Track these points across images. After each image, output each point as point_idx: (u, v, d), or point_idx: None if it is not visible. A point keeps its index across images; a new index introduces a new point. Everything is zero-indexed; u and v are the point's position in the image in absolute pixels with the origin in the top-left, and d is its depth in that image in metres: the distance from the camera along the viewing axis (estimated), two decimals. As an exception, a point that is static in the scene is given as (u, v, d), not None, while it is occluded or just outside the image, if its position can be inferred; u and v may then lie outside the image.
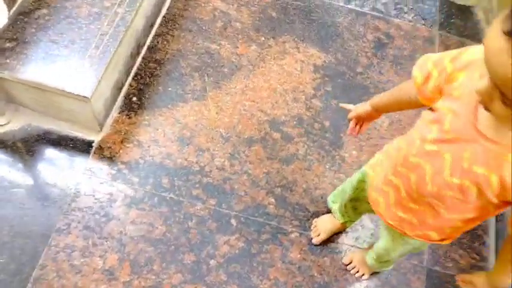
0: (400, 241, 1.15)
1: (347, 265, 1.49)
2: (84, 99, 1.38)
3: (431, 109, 0.89)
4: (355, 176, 1.27)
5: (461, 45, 2.03)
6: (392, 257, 1.28)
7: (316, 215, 1.55)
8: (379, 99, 1.11)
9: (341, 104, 1.28)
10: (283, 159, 1.64)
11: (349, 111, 1.24)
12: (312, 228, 1.53)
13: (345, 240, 1.53)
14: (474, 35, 2.08)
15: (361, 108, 1.18)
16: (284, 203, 1.56)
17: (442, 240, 1.04)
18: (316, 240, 1.50)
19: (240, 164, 1.61)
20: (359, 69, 1.89)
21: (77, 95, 1.37)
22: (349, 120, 1.24)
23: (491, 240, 1.60)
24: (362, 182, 1.22)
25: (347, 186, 1.34)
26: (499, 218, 1.61)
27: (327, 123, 1.73)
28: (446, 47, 2.01)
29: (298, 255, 1.49)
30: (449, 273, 1.52)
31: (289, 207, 1.56)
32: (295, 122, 1.72)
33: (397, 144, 1.02)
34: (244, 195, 1.56)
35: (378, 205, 1.08)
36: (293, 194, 1.58)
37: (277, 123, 1.71)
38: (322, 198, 1.59)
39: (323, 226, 1.50)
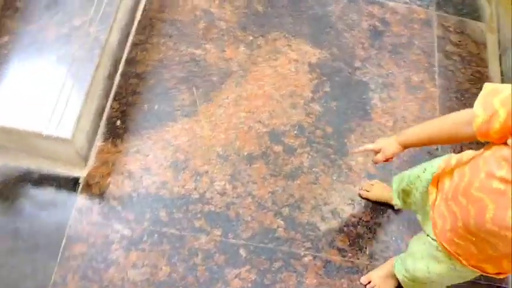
0: (448, 265, 1.04)
1: (366, 285, 1.42)
2: (65, 140, 1.22)
3: (505, 143, 0.79)
4: (416, 171, 1.17)
5: (461, 25, 1.91)
6: (432, 280, 1.15)
7: (328, 233, 1.46)
8: (414, 136, 0.99)
9: (354, 151, 1.15)
10: (287, 174, 1.53)
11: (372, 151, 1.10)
12: (365, 183, 1.51)
13: (360, 258, 1.45)
14: (473, 13, 1.95)
15: (390, 150, 1.05)
16: (293, 224, 1.46)
17: (497, 274, 0.96)
18: (363, 194, 1.51)
19: (243, 186, 1.49)
20: (357, 64, 1.75)
21: (56, 137, 1.21)
22: (376, 163, 1.11)
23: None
24: (418, 179, 1.14)
25: (406, 175, 1.25)
26: None
27: (329, 129, 1.61)
28: (445, 29, 1.89)
29: (314, 280, 1.41)
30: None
31: (299, 228, 1.46)
32: (296, 132, 1.59)
33: (462, 170, 0.92)
34: (251, 220, 1.45)
35: (435, 226, 1.00)
36: (302, 213, 1.48)
37: (278, 135, 1.58)
38: (332, 214, 1.49)
39: (378, 190, 1.50)
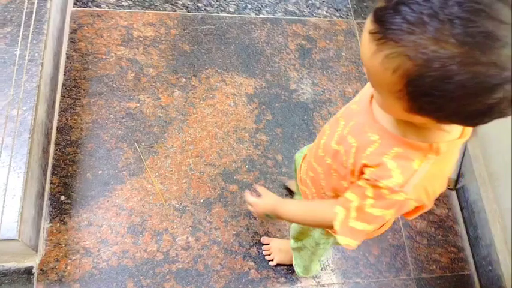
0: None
1: (263, 244, 1.47)
2: (11, 241, 1.13)
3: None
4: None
5: (380, 29, 1.98)
6: (303, 242, 1.18)
7: (299, 263, 1.47)
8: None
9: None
10: (248, 212, 1.51)
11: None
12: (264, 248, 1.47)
13: (334, 280, 1.47)
14: (389, 15, 2.03)
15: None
16: (264, 262, 1.46)
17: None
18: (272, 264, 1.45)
19: (206, 235, 1.46)
20: (292, 86, 1.77)
21: (0, 240, 1.11)
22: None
23: (461, 228, 1.64)
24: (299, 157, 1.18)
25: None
26: (463, 206, 1.65)
27: (279, 157, 1.62)
28: (367, 35, 1.95)
29: (295, 314, 1.41)
30: (436, 276, 1.54)
31: (270, 266, 1.46)
32: (247, 166, 1.59)
33: (322, 130, 0.95)
34: (221, 268, 1.43)
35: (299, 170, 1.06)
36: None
37: (230, 174, 1.56)
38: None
39: (277, 254, 1.45)
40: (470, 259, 1.59)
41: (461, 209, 1.66)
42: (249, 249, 1.46)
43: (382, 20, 0.54)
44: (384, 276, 1.51)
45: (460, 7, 0.50)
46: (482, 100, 0.53)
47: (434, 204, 1.65)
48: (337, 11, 1.99)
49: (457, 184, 1.69)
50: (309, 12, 1.96)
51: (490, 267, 1.51)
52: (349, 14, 1.99)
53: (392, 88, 0.57)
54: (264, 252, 1.46)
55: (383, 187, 0.69)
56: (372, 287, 1.48)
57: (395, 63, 0.54)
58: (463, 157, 1.66)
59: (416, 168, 0.68)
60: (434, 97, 0.54)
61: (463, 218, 1.65)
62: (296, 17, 1.93)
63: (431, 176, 0.69)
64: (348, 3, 2.02)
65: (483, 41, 0.50)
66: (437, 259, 1.57)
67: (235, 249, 1.46)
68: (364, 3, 2.04)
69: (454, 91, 0.52)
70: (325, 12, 1.97)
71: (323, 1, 2.00)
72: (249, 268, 1.44)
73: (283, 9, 1.94)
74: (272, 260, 1.45)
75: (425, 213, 1.61)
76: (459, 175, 1.68)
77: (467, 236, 1.62)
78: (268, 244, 1.47)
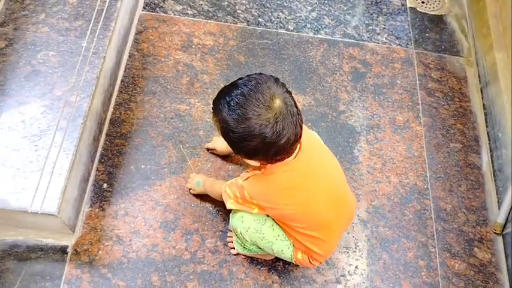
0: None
1: (227, 231, 1.49)
2: (50, 216, 1.20)
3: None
4: None
5: (441, 61, 1.94)
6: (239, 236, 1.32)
7: (325, 285, 1.44)
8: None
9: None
10: (279, 226, 1.51)
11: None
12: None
13: None
14: (451, 48, 1.98)
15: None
16: (289, 277, 1.44)
17: None
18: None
19: (234, 242, 1.47)
20: (341, 108, 1.76)
21: (41, 213, 1.19)
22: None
23: (504, 276, 1.54)
24: None
25: None
26: (508, 253, 1.55)
27: (318, 176, 1.61)
28: (426, 66, 1.92)
29: (313, 336, 1.38)
30: (470, 323, 1.45)
31: (295, 282, 1.43)
32: (284, 181, 1.58)
33: None
34: (245, 277, 1.42)
35: None
36: (296, 266, 1.46)
37: (266, 186, 1.57)
38: (327, 264, 1.47)
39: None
40: (510, 311, 1.48)
41: (506, 256, 1.55)
42: (276, 262, 1.45)
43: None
44: (413, 313, 1.44)
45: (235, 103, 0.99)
46: (248, 144, 1.00)
47: (477, 247, 1.56)
48: (397, 38, 1.97)
49: (504, 229, 1.59)
50: (368, 37, 1.95)
51: (532, 323, 1.40)
52: (409, 43, 1.97)
53: None
54: (228, 239, 1.46)
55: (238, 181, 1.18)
56: (398, 323, 1.42)
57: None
58: (513, 202, 1.56)
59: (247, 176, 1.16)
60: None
61: (507, 266, 1.54)
62: (354, 41, 1.93)
63: (252, 183, 1.15)
64: (410, 33, 2.00)
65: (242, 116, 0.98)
66: (473, 305, 1.48)
67: (261, 261, 1.45)
68: (427, 35, 2.01)
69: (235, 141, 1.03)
70: (384, 39, 1.96)
71: (384, 27, 1.99)
72: (272, 281, 1.43)
73: (342, 32, 1.95)
74: (234, 249, 1.44)
75: (466, 255, 1.53)
76: (507, 220, 1.58)
77: (510, 285, 1.51)
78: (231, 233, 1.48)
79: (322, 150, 1.24)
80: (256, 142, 0.99)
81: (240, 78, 1.03)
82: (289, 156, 1.08)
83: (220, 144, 1.54)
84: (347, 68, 1.86)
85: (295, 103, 1.02)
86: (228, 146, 1.36)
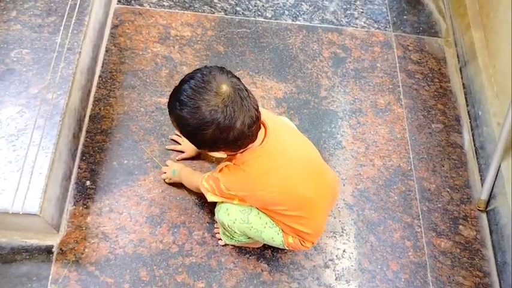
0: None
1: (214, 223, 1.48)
2: (33, 216, 1.18)
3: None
4: None
5: (420, 43, 1.95)
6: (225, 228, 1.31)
7: (313, 270, 1.45)
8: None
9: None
10: (265, 215, 1.51)
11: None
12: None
13: (349, 291, 1.43)
14: (429, 29, 1.99)
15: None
16: (278, 265, 1.44)
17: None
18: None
19: (222, 233, 1.47)
20: (323, 94, 1.76)
21: (23, 213, 1.17)
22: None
23: (489, 252, 1.56)
24: None
25: None
26: (492, 229, 1.57)
27: (302, 163, 1.61)
28: (405, 48, 1.92)
29: (305, 321, 1.39)
30: (457, 299, 1.47)
31: (283, 269, 1.44)
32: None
33: None
34: (234, 267, 1.42)
35: None
36: (285, 253, 1.46)
37: (251, 175, 1.56)
38: (315, 249, 1.48)
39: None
40: (496, 285, 1.51)
41: (491, 232, 1.58)
42: (264, 250, 1.46)
43: None
44: (401, 293, 1.45)
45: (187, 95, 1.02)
46: (205, 133, 1.03)
47: (462, 224, 1.58)
48: (375, 22, 1.97)
49: (487, 206, 1.61)
50: (346, 22, 1.95)
51: (517, 296, 1.43)
52: (387, 27, 1.97)
53: None
54: (215, 230, 1.46)
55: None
56: (388, 303, 1.44)
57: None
58: (495, 178, 1.58)
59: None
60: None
61: (492, 241, 1.57)
62: (333, 26, 1.93)
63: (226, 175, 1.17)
64: (388, 16, 2.00)
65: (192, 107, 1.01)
66: (460, 282, 1.50)
67: (250, 250, 1.45)
68: (405, 17, 2.01)
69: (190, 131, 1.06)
70: (363, 23, 1.96)
71: (362, 12, 1.99)
72: (261, 270, 1.43)
73: (320, 18, 1.94)
74: (221, 239, 1.44)
75: (451, 233, 1.55)
76: (490, 197, 1.60)
77: (495, 261, 1.54)
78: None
79: (292, 131, 1.26)
80: (211, 129, 1.02)
81: (186, 75, 1.07)
82: (253, 142, 1.10)
83: (186, 146, 1.54)
84: (327, 53, 1.86)
85: (245, 87, 1.05)
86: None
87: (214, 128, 1.01)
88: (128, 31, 1.77)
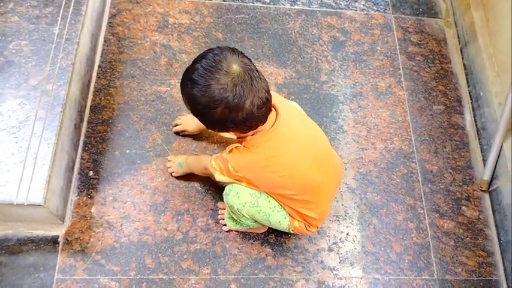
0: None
1: (218, 209, 1.49)
2: (37, 206, 1.19)
3: None
4: None
5: (419, 24, 1.93)
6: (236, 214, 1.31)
7: (317, 253, 1.46)
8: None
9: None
10: (268, 200, 1.52)
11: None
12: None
13: (352, 274, 1.44)
14: (429, 10, 1.98)
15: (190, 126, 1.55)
16: (282, 249, 1.45)
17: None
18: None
19: (225, 219, 1.48)
20: (323, 78, 1.76)
21: (27, 204, 1.18)
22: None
23: (492, 231, 1.57)
24: None
25: None
26: (495, 209, 1.58)
27: (304, 148, 1.61)
28: (405, 30, 1.91)
29: (310, 304, 1.40)
30: (461, 279, 1.48)
31: (288, 253, 1.45)
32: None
33: None
34: (238, 252, 1.44)
35: None
36: (289, 237, 1.47)
37: (253, 161, 1.57)
38: (318, 233, 1.49)
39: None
40: (500, 264, 1.52)
41: (493, 212, 1.58)
42: (268, 235, 1.46)
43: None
44: (405, 274, 1.46)
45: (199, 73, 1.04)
46: (214, 112, 1.04)
47: (464, 205, 1.59)
48: (375, 4, 1.96)
49: (490, 186, 1.61)
50: (345, 5, 1.93)
51: (520, 274, 1.44)
52: (387, 8, 1.95)
53: None
54: (220, 217, 1.46)
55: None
56: (392, 285, 1.45)
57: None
58: (497, 158, 1.58)
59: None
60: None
61: (495, 221, 1.57)
62: (332, 9, 1.91)
63: (235, 156, 1.17)
64: (387, -3, 1.98)
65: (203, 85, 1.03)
66: (463, 262, 1.51)
67: (253, 235, 1.46)
68: (404, -2, 1.99)
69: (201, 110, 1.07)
70: (362, 6, 1.94)
71: (361, -6, 1.97)
72: (266, 254, 1.44)
73: (319, 1, 1.92)
74: (225, 225, 1.45)
75: (454, 214, 1.56)
76: (493, 177, 1.60)
77: (498, 240, 1.55)
78: (224, 209, 1.46)
79: (301, 116, 1.26)
80: (220, 108, 1.03)
81: (198, 55, 1.08)
82: (262, 124, 1.10)
83: (190, 123, 1.55)
84: (326, 37, 1.85)
85: (256, 68, 1.06)
86: (198, 123, 1.38)
87: (224, 106, 1.02)
88: (126, 20, 1.76)
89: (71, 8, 1.46)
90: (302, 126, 1.23)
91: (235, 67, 1.02)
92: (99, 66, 1.65)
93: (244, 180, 1.20)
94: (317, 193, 1.24)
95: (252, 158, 1.15)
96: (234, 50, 1.06)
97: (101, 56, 1.67)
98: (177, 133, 1.57)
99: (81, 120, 1.52)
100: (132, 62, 1.68)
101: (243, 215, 1.29)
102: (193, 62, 1.07)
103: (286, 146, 1.16)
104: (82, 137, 1.53)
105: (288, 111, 1.18)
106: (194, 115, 1.12)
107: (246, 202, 1.24)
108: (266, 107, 1.07)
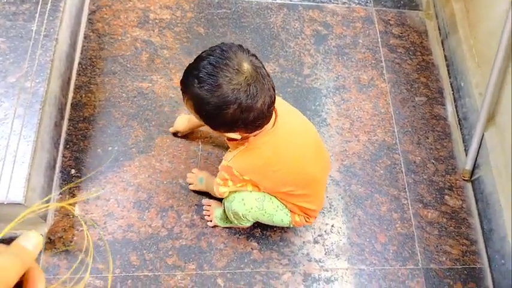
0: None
1: (203, 205, 1.48)
2: (17, 206, 1.17)
3: None
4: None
5: (401, 16, 1.94)
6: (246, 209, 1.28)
7: (303, 246, 1.46)
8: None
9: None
10: (253, 194, 1.51)
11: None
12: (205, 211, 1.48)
13: (338, 265, 1.45)
14: (410, 3, 1.99)
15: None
16: (267, 243, 1.45)
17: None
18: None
19: (210, 214, 1.47)
20: (306, 72, 1.76)
21: (7, 204, 1.16)
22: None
23: (475, 220, 1.59)
24: None
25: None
26: (478, 198, 1.60)
27: (288, 142, 1.61)
28: (386, 23, 1.92)
29: (296, 297, 1.40)
30: (445, 267, 1.50)
31: (274, 247, 1.45)
32: (255, 149, 1.58)
33: None
34: (224, 247, 1.43)
35: None
36: (274, 231, 1.47)
37: (237, 156, 1.56)
38: (304, 226, 1.49)
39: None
40: (483, 252, 1.54)
41: (476, 201, 1.60)
42: (253, 229, 1.46)
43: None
44: (390, 264, 1.48)
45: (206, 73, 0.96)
46: (226, 113, 0.97)
47: (448, 195, 1.61)
48: (356, -3, 1.96)
49: (472, 175, 1.63)
50: (327, -1, 1.94)
51: (503, 261, 1.46)
52: (368, 2, 1.96)
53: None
54: (204, 213, 1.46)
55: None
56: (377, 275, 1.46)
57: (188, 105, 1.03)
58: (479, 148, 1.60)
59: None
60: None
61: (478, 210, 1.59)
62: (314, 3, 1.91)
63: (239, 160, 1.13)
64: (368, -9, 1.99)
65: (213, 85, 0.95)
66: (447, 251, 1.53)
67: (239, 229, 1.46)
68: (385, -9, 2.00)
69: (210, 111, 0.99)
70: (343, -1, 1.95)
71: (342, -12, 1.98)
72: (252, 248, 1.44)
73: (300, -5, 1.92)
74: (211, 221, 1.45)
75: (438, 203, 1.57)
76: (475, 166, 1.62)
77: (481, 228, 1.57)
78: (209, 205, 1.46)
79: (292, 110, 1.25)
80: (232, 109, 0.96)
81: (203, 52, 1.00)
82: (268, 122, 1.06)
83: (181, 123, 1.52)
84: (308, 31, 1.85)
85: (263, 66, 1.01)
86: (190, 122, 1.35)
87: (236, 107, 0.96)
88: (106, 16, 1.74)
89: (49, 4, 1.44)
90: (296, 121, 1.22)
91: (246, 65, 0.96)
92: (80, 63, 1.63)
93: (250, 183, 1.19)
94: (314, 185, 1.25)
95: (256, 159, 1.14)
96: (241, 47, 1.00)
97: (81, 53, 1.65)
98: (173, 134, 1.56)
99: (62, 117, 1.50)
100: (113, 58, 1.66)
101: (248, 220, 1.28)
102: (199, 58, 0.99)
103: (287, 142, 1.15)
104: (63, 135, 1.51)
105: (282, 107, 1.16)
106: (199, 117, 1.03)
107: (252, 207, 1.22)
108: (273, 105, 1.03)
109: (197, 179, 1.48)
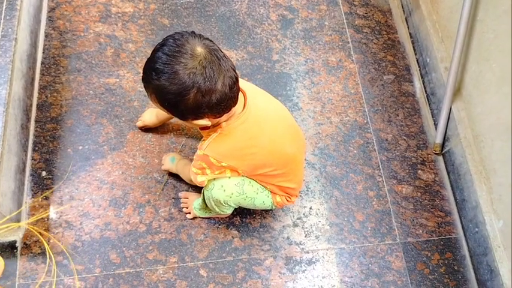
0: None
1: (180, 198, 1.47)
2: (-13, 212, 1.14)
3: None
4: None
5: (364, -3, 1.96)
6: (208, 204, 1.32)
7: (283, 230, 1.47)
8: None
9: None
10: (230, 183, 1.51)
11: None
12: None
13: (318, 246, 1.47)
14: (373, -17, 2.00)
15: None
16: (248, 230, 1.46)
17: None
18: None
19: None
20: (275, 57, 1.75)
21: (-25, 211, 1.13)
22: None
23: (448, 192, 1.63)
24: None
25: None
26: (449, 170, 1.64)
27: (261, 128, 1.61)
28: (351, 4, 1.93)
29: (280, 280, 1.41)
30: (423, 240, 1.53)
31: (254, 233, 1.46)
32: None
33: None
34: (205, 238, 1.43)
35: None
36: (253, 217, 1.48)
37: (211, 146, 1.56)
38: (283, 210, 1.50)
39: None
40: (458, 223, 1.58)
41: (448, 173, 1.64)
42: (232, 218, 1.47)
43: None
44: (369, 241, 1.50)
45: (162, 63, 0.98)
46: (187, 99, 0.99)
47: (420, 169, 1.64)
48: (319, -20, 1.96)
49: (443, 149, 1.67)
50: (290, -17, 1.93)
51: (477, 229, 1.50)
52: (332, -17, 1.96)
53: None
54: (182, 205, 1.46)
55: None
56: (357, 252, 1.48)
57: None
58: (447, 121, 1.64)
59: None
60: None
61: (450, 182, 1.63)
62: (277, -12, 1.91)
63: (214, 147, 1.14)
64: (331, -28, 1.99)
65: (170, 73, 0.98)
66: (423, 224, 1.56)
67: (218, 219, 1.46)
68: (347, -28, 2.01)
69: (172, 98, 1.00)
70: (307, -18, 1.95)
71: (305, -29, 1.97)
72: (232, 237, 1.44)
73: (264, -19, 1.91)
74: (189, 213, 1.45)
75: (411, 178, 1.60)
76: (445, 139, 1.66)
77: (454, 199, 1.61)
78: (187, 198, 1.46)
79: (261, 92, 1.26)
80: (193, 93, 0.98)
81: (157, 44, 1.02)
82: (235, 105, 1.08)
83: (148, 117, 1.52)
84: (274, 16, 1.84)
85: (219, 48, 1.03)
86: (158, 115, 1.32)
87: (196, 91, 0.98)
88: (66, 13, 1.69)
89: (5, 3, 1.39)
90: (267, 102, 1.23)
91: (200, 49, 0.98)
92: (42, 63, 1.59)
93: (229, 169, 1.18)
94: (293, 163, 1.26)
95: (231, 144, 1.14)
96: (193, 33, 1.02)
97: (43, 52, 1.61)
98: (140, 129, 1.54)
99: (28, 119, 1.46)
100: (77, 55, 1.62)
101: (229, 205, 1.28)
102: (153, 51, 1.01)
103: (260, 124, 1.16)
104: (31, 137, 1.47)
105: (250, 90, 1.17)
106: (164, 108, 1.05)
107: (232, 193, 1.23)
108: (236, 86, 1.05)
109: (168, 158, 1.47)
